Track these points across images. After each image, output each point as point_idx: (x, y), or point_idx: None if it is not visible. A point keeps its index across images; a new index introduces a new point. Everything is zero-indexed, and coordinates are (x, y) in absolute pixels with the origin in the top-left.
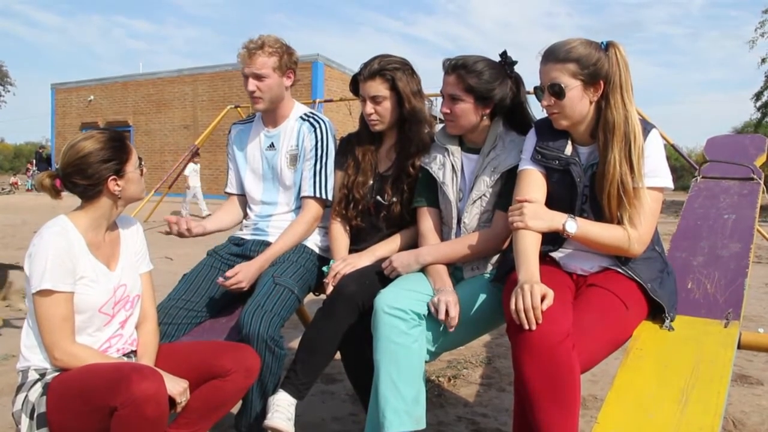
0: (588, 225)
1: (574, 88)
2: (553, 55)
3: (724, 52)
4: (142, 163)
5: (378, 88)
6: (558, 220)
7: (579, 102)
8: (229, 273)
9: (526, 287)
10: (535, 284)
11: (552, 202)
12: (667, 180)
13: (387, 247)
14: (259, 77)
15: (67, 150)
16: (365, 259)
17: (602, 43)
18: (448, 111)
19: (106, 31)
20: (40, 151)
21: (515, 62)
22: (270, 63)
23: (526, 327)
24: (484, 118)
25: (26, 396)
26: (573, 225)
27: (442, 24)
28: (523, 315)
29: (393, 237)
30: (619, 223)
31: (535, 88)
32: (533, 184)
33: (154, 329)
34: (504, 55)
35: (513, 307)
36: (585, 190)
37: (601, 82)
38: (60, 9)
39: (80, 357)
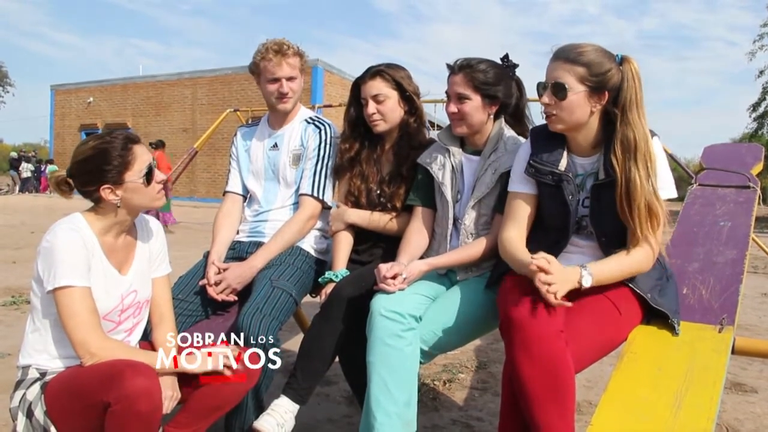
0: (601, 269)
1: (578, 92)
2: (563, 54)
3: None
4: (153, 170)
5: (379, 86)
6: (574, 277)
7: (579, 108)
8: (215, 278)
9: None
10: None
11: (544, 217)
12: (671, 190)
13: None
14: (291, 78)
15: (74, 150)
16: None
17: (617, 55)
18: (456, 110)
19: (120, 51)
20: (22, 154)
21: (516, 65)
22: (298, 64)
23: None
24: (490, 116)
25: (24, 394)
26: (588, 279)
27: (407, 46)
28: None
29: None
30: (633, 237)
31: (538, 84)
32: (523, 208)
33: (172, 331)
34: (506, 57)
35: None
36: (585, 201)
37: (606, 93)
38: (79, 29)
39: (115, 349)
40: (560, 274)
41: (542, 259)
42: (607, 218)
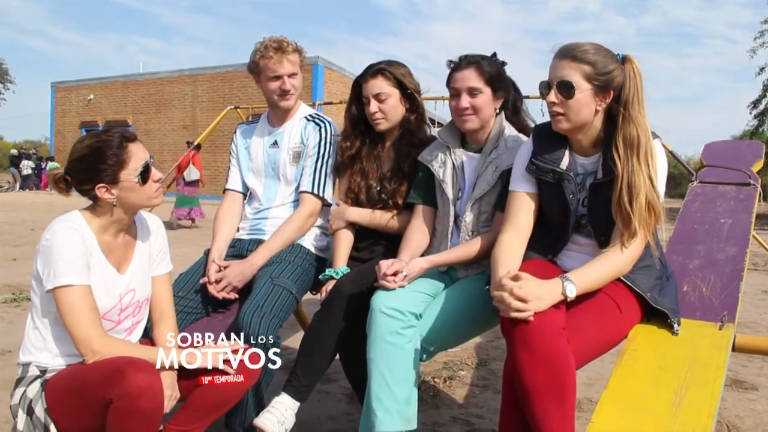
0: (584, 277)
1: (584, 90)
2: (569, 53)
3: None
4: (150, 169)
5: (381, 85)
6: (557, 289)
7: (585, 106)
8: (215, 276)
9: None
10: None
11: (545, 215)
12: (662, 195)
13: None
14: (292, 75)
15: (71, 148)
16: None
17: (618, 54)
18: (468, 105)
19: (121, 48)
20: (23, 151)
21: (505, 63)
22: (298, 60)
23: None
24: (496, 111)
25: (24, 391)
26: (572, 288)
27: (407, 44)
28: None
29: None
30: (625, 233)
31: (541, 84)
32: (524, 208)
33: (173, 329)
34: (494, 56)
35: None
36: (584, 201)
37: (611, 92)
38: (80, 27)
39: (117, 346)
40: (536, 290)
41: (512, 280)
42: (605, 217)
